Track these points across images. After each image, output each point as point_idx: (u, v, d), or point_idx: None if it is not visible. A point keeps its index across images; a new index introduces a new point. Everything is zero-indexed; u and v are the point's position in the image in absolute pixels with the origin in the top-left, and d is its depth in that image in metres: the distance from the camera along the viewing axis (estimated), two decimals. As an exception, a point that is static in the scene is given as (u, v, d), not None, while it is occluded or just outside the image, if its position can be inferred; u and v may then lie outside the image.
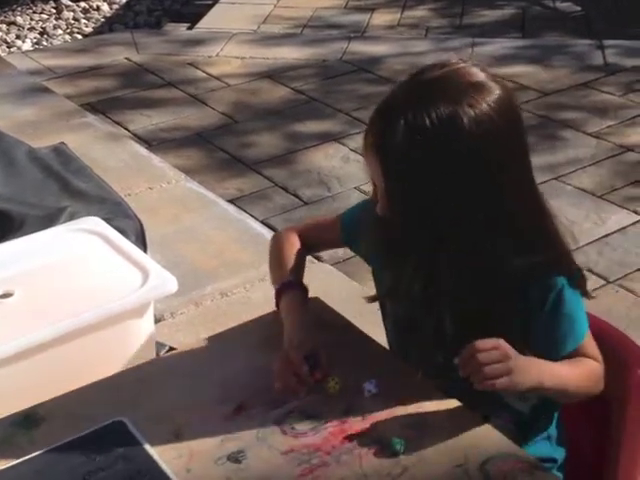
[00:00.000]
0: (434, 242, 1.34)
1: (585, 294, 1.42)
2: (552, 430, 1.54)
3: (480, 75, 1.30)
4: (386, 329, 1.61)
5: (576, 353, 1.40)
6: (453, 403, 1.40)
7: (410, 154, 1.27)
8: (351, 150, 3.91)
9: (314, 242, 1.68)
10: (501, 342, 1.27)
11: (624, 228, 3.18)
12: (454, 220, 1.31)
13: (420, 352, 1.48)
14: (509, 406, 1.47)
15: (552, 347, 1.40)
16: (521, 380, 1.28)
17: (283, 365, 1.42)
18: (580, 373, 1.38)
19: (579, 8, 5.75)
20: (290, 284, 1.56)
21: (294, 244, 1.65)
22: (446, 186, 1.29)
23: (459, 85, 1.27)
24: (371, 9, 5.82)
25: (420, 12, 5.79)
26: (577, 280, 1.41)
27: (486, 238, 1.34)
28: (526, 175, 1.37)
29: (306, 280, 1.61)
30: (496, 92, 1.29)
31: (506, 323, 1.37)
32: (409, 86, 1.31)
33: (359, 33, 5.42)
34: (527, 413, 1.49)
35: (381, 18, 5.67)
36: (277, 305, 1.56)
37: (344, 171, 3.74)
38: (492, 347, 1.26)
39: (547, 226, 1.39)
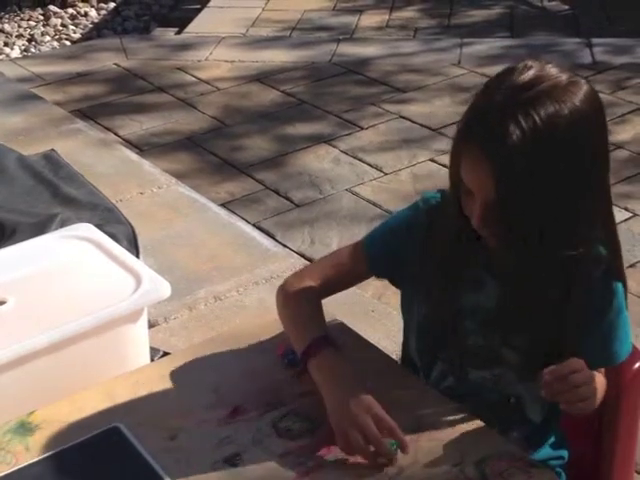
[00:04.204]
0: (532, 250, 1.31)
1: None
2: (551, 436, 1.55)
3: (566, 73, 1.29)
4: (405, 340, 1.59)
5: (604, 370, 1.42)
6: (448, 403, 1.41)
7: (525, 157, 1.23)
8: (342, 152, 3.92)
9: (333, 286, 1.55)
10: (584, 363, 1.26)
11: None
12: (556, 224, 1.28)
13: (451, 366, 1.49)
14: (527, 419, 1.48)
15: (604, 355, 1.40)
16: (597, 400, 1.30)
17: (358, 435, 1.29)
18: (600, 390, 1.39)
19: (567, 7, 5.77)
20: (320, 342, 1.41)
21: (309, 298, 1.51)
22: (556, 187, 1.26)
23: (556, 84, 1.26)
24: (359, 11, 5.83)
25: (408, 13, 5.81)
26: (625, 286, 1.41)
27: (573, 243, 1.32)
28: (608, 173, 1.37)
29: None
30: (585, 87, 1.28)
31: (566, 332, 1.37)
32: (508, 88, 1.26)
33: (348, 35, 5.42)
34: (538, 423, 1.50)
35: (370, 19, 5.68)
36: (304, 365, 1.41)
37: (335, 173, 3.75)
38: (582, 368, 1.25)
39: (614, 230, 1.39)
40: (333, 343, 1.41)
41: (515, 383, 1.45)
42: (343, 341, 1.53)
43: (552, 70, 1.28)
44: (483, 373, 1.46)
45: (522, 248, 1.31)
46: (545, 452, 1.51)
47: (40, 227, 2.75)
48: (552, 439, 1.54)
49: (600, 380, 1.39)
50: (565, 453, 1.55)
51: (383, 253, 1.52)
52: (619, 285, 1.39)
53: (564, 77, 1.28)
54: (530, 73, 1.27)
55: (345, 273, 1.56)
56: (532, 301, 1.37)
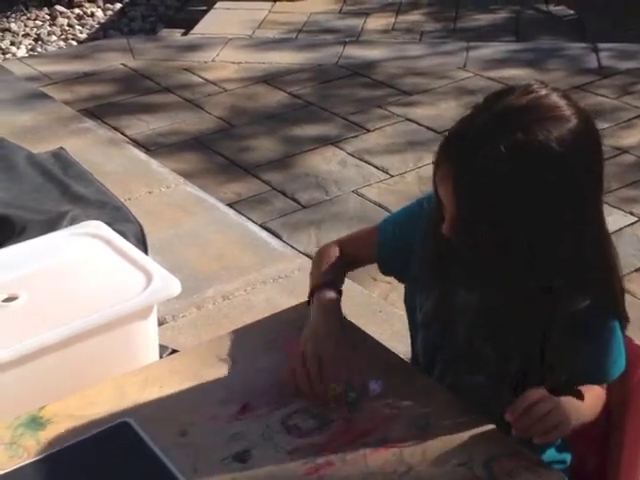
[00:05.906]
0: (501, 271, 1.35)
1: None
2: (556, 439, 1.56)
3: (561, 107, 1.28)
4: (412, 338, 1.62)
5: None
6: (457, 402, 1.42)
7: (486, 184, 1.26)
8: (348, 154, 3.93)
9: (351, 258, 1.67)
10: (544, 391, 1.28)
11: (620, 229, 3.18)
12: (523, 251, 1.31)
13: (448, 369, 1.51)
14: None
15: (596, 373, 1.43)
16: (571, 422, 1.31)
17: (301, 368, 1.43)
18: (590, 404, 1.40)
19: (573, 11, 5.78)
20: (323, 285, 1.56)
21: (334, 253, 1.66)
22: (516, 217, 1.28)
23: (542, 118, 1.25)
24: (365, 14, 5.85)
25: (414, 16, 5.82)
26: (623, 322, 1.42)
27: (550, 273, 1.34)
28: (596, 209, 1.37)
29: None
30: (574, 124, 1.27)
31: (549, 357, 1.39)
32: (488, 114, 1.28)
33: (354, 38, 5.44)
34: None
35: (376, 22, 5.70)
36: (309, 304, 1.57)
37: (342, 175, 3.76)
38: (542, 398, 1.27)
39: (611, 264, 1.40)
40: (337, 289, 1.55)
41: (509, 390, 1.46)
42: (352, 338, 1.55)
43: (558, 102, 1.28)
44: (477, 378, 1.47)
45: (489, 259, 1.34)
46: (549, 455, 1.52)
47: (50, 224, 2.76)
48: (557, 441, 1.54)
49: (595, 393, 1.40)
50: (568, 457, 1.56)
51: (391, 245, 1.59)
52: (615, 323, 1.40)
53: (558, 111, 1.26)
54: (524, 100, 1.27)
55: (362, 254, 1.66)
56: (512, 310, 1.38)
